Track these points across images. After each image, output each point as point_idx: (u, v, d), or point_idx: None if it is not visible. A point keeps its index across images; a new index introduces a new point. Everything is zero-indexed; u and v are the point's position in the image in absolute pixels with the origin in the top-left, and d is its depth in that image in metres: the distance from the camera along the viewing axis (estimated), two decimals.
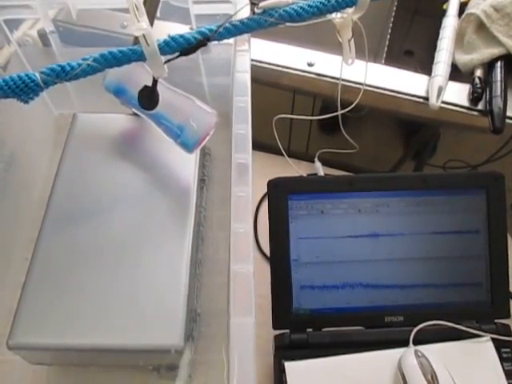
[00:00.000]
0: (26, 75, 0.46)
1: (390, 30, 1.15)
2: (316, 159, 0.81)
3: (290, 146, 0.91)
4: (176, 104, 0.54)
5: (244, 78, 0.51)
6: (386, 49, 1.15)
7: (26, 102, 0.47)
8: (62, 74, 0.46)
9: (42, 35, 0.62)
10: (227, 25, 0.51)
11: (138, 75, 0.57)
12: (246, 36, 0.55)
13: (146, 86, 0.55)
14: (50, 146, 0.74)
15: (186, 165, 0.60)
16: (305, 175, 0.79)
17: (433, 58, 0.82)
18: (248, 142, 0.46)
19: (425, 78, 0.79)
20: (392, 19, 1.15)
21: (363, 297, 0.58)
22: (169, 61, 0.50)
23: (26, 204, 0.64)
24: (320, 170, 0.80)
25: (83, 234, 0.54)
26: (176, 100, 0.55)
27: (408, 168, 1.12)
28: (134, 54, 0.48)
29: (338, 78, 0.76)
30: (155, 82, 0.53)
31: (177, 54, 0.50)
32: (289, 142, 0.92)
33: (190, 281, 0.52)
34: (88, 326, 0.48)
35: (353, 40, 0.60)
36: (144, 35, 0.47)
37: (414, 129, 1.01)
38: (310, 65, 0.81)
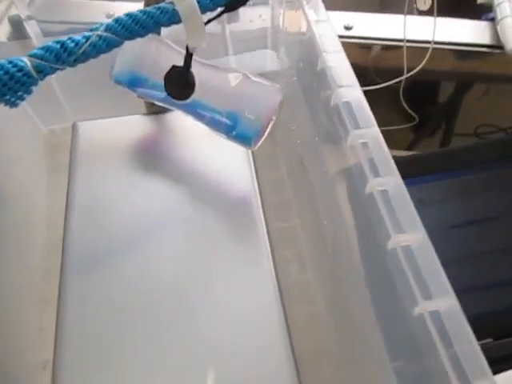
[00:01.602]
0: (10, 62, 0.30)
1: None
2: None
3: None
4: (221, 84, 0.39)
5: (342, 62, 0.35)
6: None
7: (14, 104, 0.31)
8: (63, 55, 0.31)
9: (16, 23, 0.46)
10: None
11: (158, 54, 0.42)
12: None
13: (174, 67, 0.40)
14: (44, 171, 0.57)
15: (236, 166, 0.45)
16: None
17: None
18: None
19: (482, 24, 0.66)
20: None
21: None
22: (210, 21, 0.36)
23: (29, 252, 0.48)
24: None
25: (122, 282, 0.38)
26: (220, 78, 0.40)
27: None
28: (163, 15, 0.33)
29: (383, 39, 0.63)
30: (190, 56, 0.38)
31: (219, 9, 0.36)
32: None
33: (284, 314, 0.37)
34: None
35: None
36: None
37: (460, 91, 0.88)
38: (347, 28, 0.67)
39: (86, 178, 0.45)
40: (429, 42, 0.58)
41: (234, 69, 0.40)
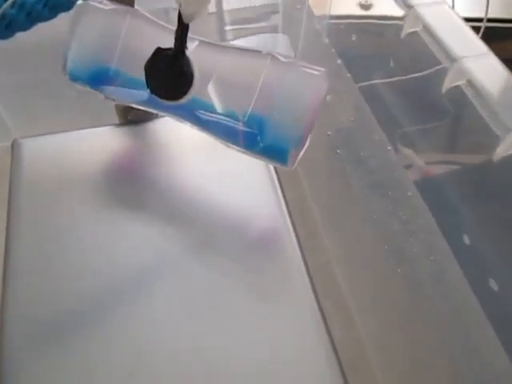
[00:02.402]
0: None
1: None
2: None
3: None
4: (235, 73, 0.26)
5: None
6: None
7: None
8: None
9: None
10: None
11: (134, 34, 0.28)
12: None
13: (160, 51, 0.26)
14: None
15: (255, 187, 0.32)
16: None
17: None
18: None
19: None
20: None
21: None
22: None
23: None
24: None
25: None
26: (233, 64, 0.26)
27: None
28: None
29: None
30: (184, 31, 0.25)
31: None
32: None
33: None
34: None
35: None
36: None
37: None
38: (363, 7, 0.54)
39: (31, 214, 0.30)
40: (480, 20, 0.46)
41: (255, 48, 0.26)
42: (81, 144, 0.36)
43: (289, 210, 0.33)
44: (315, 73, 0.25)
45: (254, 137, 0.25)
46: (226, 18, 0.41)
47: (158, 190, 0.33)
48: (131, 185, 0.33)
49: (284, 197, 0.33)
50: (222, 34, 0.40)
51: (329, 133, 0.31)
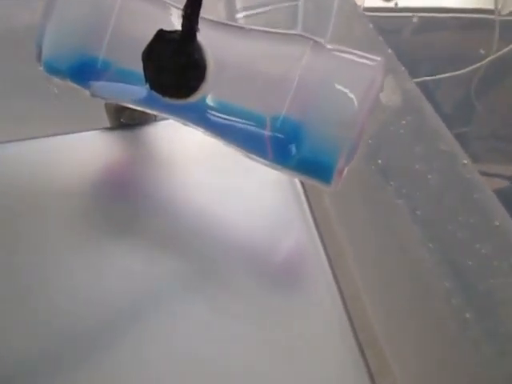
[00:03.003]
0: None
1: None
2: None
3: None
4: (261, 63, 0.20)
5: None
6: None
7: None
8: None
9: None
10: None
11: (128, 14, 0.22)
12: None
13: (162, 34, 0.20)
14: None
15: (278, 206, 0.26)
16: None
17: None
18: None
19: None
20: None
21: None
22: None
23: None
24: None
25: None
26: (257, 52, 0.20)
27: None
28: None
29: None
30: (196, 8, 0.19)
31: None
32: None
33: None
34: None
35: None
36: None
37: None
38: None
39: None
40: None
41: (290, 31, 0.20)
42: (63, 152, 0.29)
43: (320, 233, 0.27)
44: (370, 63, 0.19)
45: (287, 147, 0.19)
46: (238, 3, 0.35)
47: (157, 208, 0.27)
48: (123, 201, 0.27)
49: (314, 219, 0.27)
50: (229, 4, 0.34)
51: (370, 141, 0.25)
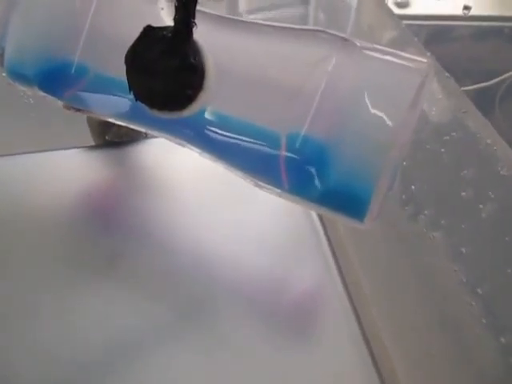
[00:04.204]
0: None
1: None
2: None
3: None
4: (278, 68, 0.16)
5: None
6: None
7: None
8: None
9: None
10: None
11: (110, 7, 0.18)
12: None
13: (151, 30, 0.16)
14: None
15: (288, 228, 0.22)
16: None
17: None
18: None
19: None
20: None
21: None
22: None
23: None
24: None
25: None
26: (273, 52, 0.16)
27: None
28: None
29: None
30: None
31: None
32: None
33: None
34: None
35: None
36: None
37: None
38: (399, 5, 0.46)
39: None
40: None
41: (311, 27, 0.16)
42: (38, 172, 0.25)
43: (339, 266, 0.23)
44: (415, 66, 0.15)
45: (307, 173, 0.15)
46: (241, 4, 0.31)
47: (145, 241, 0.22)
48: (105, 232, 0.23)
49: (333, 253, 0.23)
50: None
51: (404, 163, 0.21)
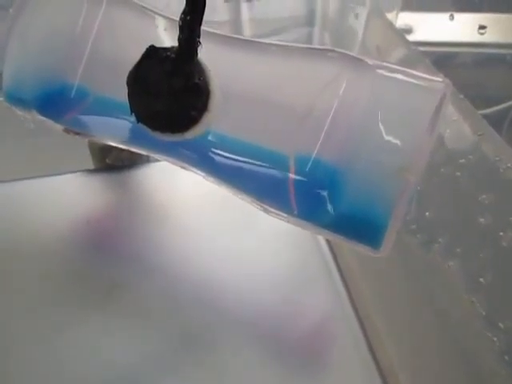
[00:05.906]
0: None
1: None
2: None
3: None
4: (286, 89, 0.15)
5: None
6: None
7: None
8: None
9: None
10: None
11: (112, 29, 0.18)
12: None
13: (153, 51, 0.15)
14: None
15: (295, 255, 0.21)
16: None
17: None
18: None
19: None
20: None
21: None
22: None
23: None
24: None
25: None
26: (281, 72, 0.15)
27: None
28: None
29: None
30: (197, 17, 0.14)
31: None
32: None
33: None
34: None
35: None
36: None
37: None
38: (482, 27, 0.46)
39: None
40: None
41: (322, 47, 0.15)
42: (37, 197, 0.24)
43: (349, 292, 0.21)
44: (431, 86, 0.14)
45: (319, 199, 0.14)
46: (245, 29, 0.31)
47: (146, 270, 0.21)
48: (105, 260, 0.22)
49: (342, 277, 0.22)
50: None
51: (418, 187, 0.20)
